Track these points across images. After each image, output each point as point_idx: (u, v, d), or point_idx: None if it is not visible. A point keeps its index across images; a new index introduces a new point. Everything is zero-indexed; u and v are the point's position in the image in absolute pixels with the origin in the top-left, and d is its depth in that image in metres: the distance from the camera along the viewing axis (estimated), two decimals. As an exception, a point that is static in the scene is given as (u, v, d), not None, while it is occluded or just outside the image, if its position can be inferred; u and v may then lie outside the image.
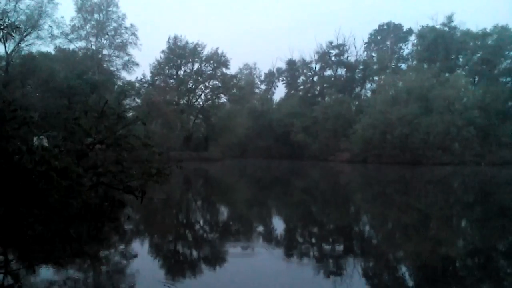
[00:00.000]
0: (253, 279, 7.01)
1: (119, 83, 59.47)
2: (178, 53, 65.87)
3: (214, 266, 7.77)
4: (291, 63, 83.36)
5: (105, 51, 62.51)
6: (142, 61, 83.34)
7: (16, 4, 46.33)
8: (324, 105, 69.79)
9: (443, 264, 8.20)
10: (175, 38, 66.17)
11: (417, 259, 8.70)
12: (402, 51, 77.52)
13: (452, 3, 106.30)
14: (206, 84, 67.42)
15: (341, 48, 78.25)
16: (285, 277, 7.11)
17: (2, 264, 6.68)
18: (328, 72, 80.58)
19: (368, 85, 77.55)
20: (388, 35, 78.54)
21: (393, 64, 73.68)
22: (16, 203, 4.84)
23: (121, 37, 61.90)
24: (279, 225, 12.79)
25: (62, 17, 55.69)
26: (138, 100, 56.82)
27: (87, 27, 60.19)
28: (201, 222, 13.28)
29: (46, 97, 41.18)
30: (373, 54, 78.96)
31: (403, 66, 72.49)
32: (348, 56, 78.85)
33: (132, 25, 61.86)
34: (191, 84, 67.09)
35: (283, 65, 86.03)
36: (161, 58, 66.57)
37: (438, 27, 65.32)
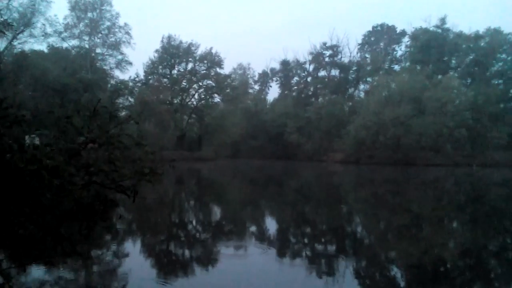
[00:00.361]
0: (245, 278, 7.01)
1: (113, 82, 59.25)
2: (172, 52, 65.72)
3: (206, 266, 7.77)
4: (285, 63, 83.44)
5: (98, 50, 62.23)
6: (135, 60, 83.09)
7: (9, 1, 45.93)
8: (317, 105, 69.93)
9: (433, 264, 8.25)
10: (169, 37, 66.06)
11: (407, 259, 8.75)
12: (395, 52, 77.84)
13: (446, 5, 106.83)
14: (200, 83, 67.33)
15: (335, 49, 78.43)
16: (276, 276, 7.12)
17: (-8, 263, 6.64)
18: (322, 73, 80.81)
19: (361, 86, 77.84)
20: (381, 37, 78.81)
21: (387, 65, 73.92)
22: (7, 202, 4.82)
23: (114, 36, 61.63)
24: (271, 225, 12.80)
25: (56, 15, 55.67)
26: (132, 99, 56.65)
27: (81, 25, 59.85)
28: (193, 222, 13.27)
29: (39, 96, 40.92)
30: (367, 55, 79.18)
31: (396, 67, 72.74)
32: (341, 57, 79.11)
33: (125, 24, 61.63)
34: (184, 84, 66.97)
35: (277, 66, 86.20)
36: (154, 57, 66.43)
37: (431, 29, 65.68)
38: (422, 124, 52.42)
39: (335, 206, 17.35)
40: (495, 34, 62.15)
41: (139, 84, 63.23)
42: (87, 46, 60.76)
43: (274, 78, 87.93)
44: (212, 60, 65.64)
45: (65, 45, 58.97)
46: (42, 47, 54.81)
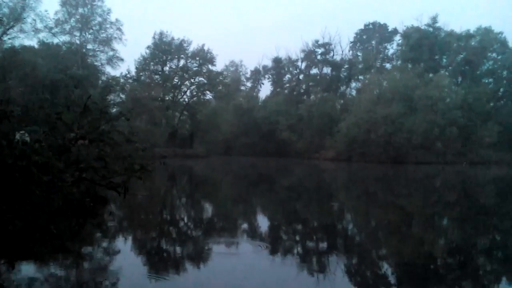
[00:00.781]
0: (238, 273, 7.02)
1: (104, 78, 58.94)
2: (164, 49, 65.52)
3: (198, 261, 7.75)
4: (277, 61, 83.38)
5: (89, 46, 61.87)
6: (127, 56, 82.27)
7: (-2, -4, 45.52)
8: (309, 103, 70.04)
9: (423, 261, 8.31)
10: (161, 33, 65.83)
11: (397, 256, 8.81)
12: (387, 50, 78.13)
13: (437, 4, 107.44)
14: (192, 80, 67.23)
15: (327, 47, 78.52)
16: (269, 271, 7.13)
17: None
18: (314, 71, 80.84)
19: (353, 84, 78.02)
20: (373, 35, 79.05)
21: (378, 63, 74.17)
22: (-5, 198, 4.78)
23: (106, 31, 61.33)
24: (262, 222, 12.82)
25: (46, 11, 55.02)
26: (123, 96, 56.35)
27: (71, 21, 59.46)
28: (185, 219, 13.24)
29: (29, 92, 40.55)
30: (359, 53, 79.40)
31: (388, 65, 73.01)
32: (333, 55, 79.20)
33: (117, 20, 61.36)
34: (176, 81, 66.81)
35: (269, 63, 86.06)
36: (146, 53, 66.22)
37: (422, 27, 65.97)
38: (413, 122, 52.72)
39: (325, 204, 17.40)
40: (485, 33, 62.66)
41: (130, 81, 62.93)
42: (78, 42, 60.39)
43: (266, 76, 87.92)
44: (204, 57, 65.51)
45: (55, 40, 58.64)
46: (33, 42, 54.55)
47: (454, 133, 52.69)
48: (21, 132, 6.68)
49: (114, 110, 40.50)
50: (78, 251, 8.20)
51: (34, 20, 51.80)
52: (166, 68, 66.98)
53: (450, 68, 65.30)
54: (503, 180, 32.34)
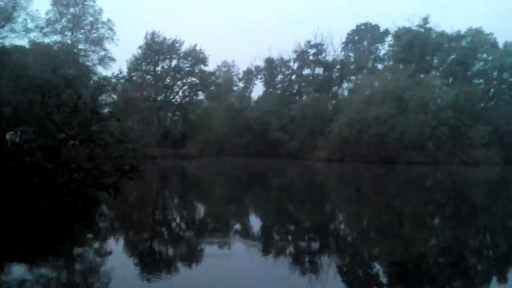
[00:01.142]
0: (229, 273, 7.02)
1: (95, 78, 58.54)
2: (156, 49, 65.21)
3: (189, 261, 7.75)
4: (269, 61, 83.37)
5: (81, 46, 61.39)
6: (118, 56, 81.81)
7: (-12, -4, 45.12)
8: (301, 103, 70.11)
9: (412, 260, 8.37)
10: (153, 33, 65.50)
11: (389, 255, 8.86)
12: (378, 51, 78.32)
13: (428, 4, 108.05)
14: (184, 80, 66.96)
15: (319, 48, 78.61)
16: (261, 271, 7.15)
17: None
18: (306, 71, 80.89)
19: (345, 85, 78.09)
20: (365, 36, 79.26)
21: (370, 64, 74.37)
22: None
23: (97, 31, 60.90)
24: (254, 222, 12.82)
25: (37, 10, 54.48)
26: (114, 96, 56.04)
27: (63, 21, 59.00)
28: (177, 219, 13.20)
29: (19, 92, 40.21)
30: (351, 54, 79.57)
31: (380, 66, 73.24)
32: (326, 55, 79.26)
33: (109, 20, 60.93)
34: (168, 81, 66.53)
35: (261, 63, 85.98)
36: (138, 53, 65.80)
37: (414, 28, 66.30)
38: (404, 123, 52.94)
39: (316, 204, 17.45)
40: (476, 34, 63.13)
41: (122, 81, 62.51)
42: (69, 41, 59.94)
43: (259, 76, 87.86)
44: (196, 57, 65.31)
45: (47, 40, 58.12)
46: (23, 42, 53.96)
47: (445, 133, 53.05)
48: (10, 132, 6.64)
49: (106, 110, 40.34)
50: (68, 252, 8.15)
51: (25, 19, 51.35)
52: (158, 68, 66.70)
53: (441, 68, 65.71)
54: (492, 181, 32.64)
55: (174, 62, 66.41)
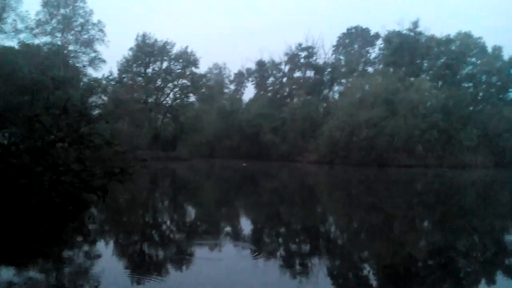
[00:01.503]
0: (219, 275, 7.02)
1: (85, 80, 58.18)
2: (147, 50, 65.03)
3: (180, 264, 7.73)
4: (260, 64, 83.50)
5: (71, 47, 60.98)
6: (109, 58, 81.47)
7: (-23, -4, 44.72)
8: (292, 106, 70.25)
9: (401, 262, 8.44)
10: (144, 35, 65.33)
11: (378, 258, 8.92)
12: (369, 54, 78.74)
13: (419, 8, 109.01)
14: (175, 82, 66.85)
15: (310, 50, 78.88)
16: (251, 272, 7.16)
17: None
18: (297, 74, 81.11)
19: (336, 88, 78.42)
20: (356, 39, 79.68)
21: (361, 67, 74.81)
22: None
23: (88, 33, 60.55)
24: (244, 225, 12.82)
25: (27, 11, 54.13)
26: (105, 98, 55.74)
27: (53, 22, 58.58)
28: (167, 222, 13.17)
29: (8, 93, 39.83)
30: (341, 57, 79.90)
31: (370, 69, 73.64)
32: (316, 58, 79.57)
33: (99, 21, 60.62)
34: (159, 83, 66.37)
35: (252, 66, 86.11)
36: (129, 55, 65.56)
37: (404, 32, 66.76)
38: (394, 126, 53.27)
39: (306, 207, 17.51)
40: (465, 38, 63.78)
41: (112, 83, 62.17)
42: (59, 43, 59.52)
43: (250, 78, 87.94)
44: (187, 59, 65.25)
45: (36, 41, 57.64)
46: (13, 43, 53.51)
47: (434, 137, 53.45)
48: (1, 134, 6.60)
49: (96, 112, 40.13)
50: (57, 255, 8.10)
51: (15, 20, 50.98)
52: (149, 70, 66.48)
53: (430, 72, 66.20)
54: (481, 183, 32.97)
55: (165, 64, 66.33)
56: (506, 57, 64.39)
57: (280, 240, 10.80)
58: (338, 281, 7.33)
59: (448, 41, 64.49)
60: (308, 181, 32.68)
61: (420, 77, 61.18)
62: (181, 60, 65.49)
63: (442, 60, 65.09)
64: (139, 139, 52.46)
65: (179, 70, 66.04)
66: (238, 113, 75.13)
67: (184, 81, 66.45)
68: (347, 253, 9.43)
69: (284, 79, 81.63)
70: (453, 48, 64.42)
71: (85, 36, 60.45)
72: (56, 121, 5.95)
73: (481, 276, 7.88)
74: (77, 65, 60.66)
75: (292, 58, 79.54)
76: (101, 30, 60.51)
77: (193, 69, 66.05)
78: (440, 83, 64.96)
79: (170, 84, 66.75)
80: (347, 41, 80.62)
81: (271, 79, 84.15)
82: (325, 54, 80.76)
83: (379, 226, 12.90)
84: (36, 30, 57.11)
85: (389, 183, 30.80)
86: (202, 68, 72.24)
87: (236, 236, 10.68)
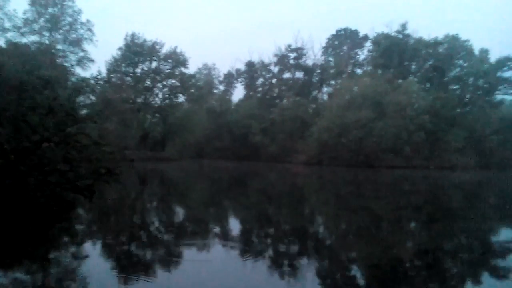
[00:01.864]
0: (208, 275, 7.01)
1: (73, 79, 57.66)
2: (136, 50, 64.68)
3: (168, 264, 7.71)
4: (250, 64, 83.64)
5: (59, 46, 60.42)
6: (97, 57, 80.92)
7: (-37, -6, 44.14)
8: (282, 107, 70.45)
9: (389, 262, 8.50)
10: (133, 35, 64.97)
11: (365, 258, 8.98)
12: (358, 56, 79.33)
13: (407, 10, 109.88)
14: (164, 83, 66.64)
15: (300, 52, 79.18)
16: (238, 272, 7.16)
17: None
18: (287, 75, 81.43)
19: (325, 89, 78.96)
20: (345, 41, 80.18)
21: (349, 69, 75.30)
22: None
23: (76, 32, 60.11)
24: (233, 225, 12.82)
25: (15, 10, 53.63)
26: (93, 98, 55.31)
27: (41, 21, 58.08)
28: (155, 222, 13.11)
29: (-6, 92, 39.31)
30: (330, 59, 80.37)
31: (359, 71, 74.17)
32: (306, 59, 79.93)
33: (88, 21, 60.23)
34: (148, 83, 66.08)
35: (242, 67, 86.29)
36: (117, 55, 65.15)
37: (392, 34, 67.28)
38: (382, 127, 53.66)
39: (295, 207, 17.56)
40: (453, 40, 64.54)
41: (101, 82, 61.67)
42: (47, 42, 58.99)
43: (239, 79, 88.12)
44: (177, 59, 65.08)
45: (24, 40, 57.05)
46: (0, 42, 52.99)
47: (421, 138, 53.94)
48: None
49: (84, 112, 39.81)
50: (43, 256, 8.02)
51: (2, 19, 50.59)
52: (138, 70, 66.14)
53: (418, 74, 66.85)
54: (467, 184, 33.33)
55: (154, 64, 66.07)
56: (492, 59, 65.39)
57: (269, 240, 10.82)
58: (325, 281, 7.36)
59: (436, 43, 65.18)
60: (299, 182, 32.76)
61: (408, 79, 61.75)
62: (170, 60, 65.29)
63: (430, 62, 65.82)
64: (128, 139, 52.17)
65: (168, 70, 65.83)
66: (227, 114, 75.11)
67: (173, 81, 66.26)
68: (335, 254, 9.49)
69: (274, 80, 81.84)
70: (440, 50, 65.16)
71: (74, 36, 60.03)
72: (42, 120, 5.88)
73: (467, 275, 7.97)
74: (65, 64, 60.11)
75: (282, 59, 79.77)
76: (89, 30, 60.17)
77: (182, 69, 65.95)
78: (428, 85, 65.64)
79: (159, 84, 66.53)
80: (336, 42, 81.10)
81: (260, 80, 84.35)
82: (314, 55, 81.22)
83: (366, 226, 12.98)
84: (24, 29, 56.66)
85: (377, 184, 30.99)
86: (192, 68, 72.22)
87: (225, 236, 10.67)
